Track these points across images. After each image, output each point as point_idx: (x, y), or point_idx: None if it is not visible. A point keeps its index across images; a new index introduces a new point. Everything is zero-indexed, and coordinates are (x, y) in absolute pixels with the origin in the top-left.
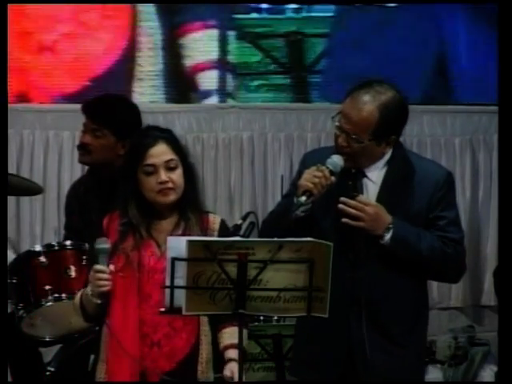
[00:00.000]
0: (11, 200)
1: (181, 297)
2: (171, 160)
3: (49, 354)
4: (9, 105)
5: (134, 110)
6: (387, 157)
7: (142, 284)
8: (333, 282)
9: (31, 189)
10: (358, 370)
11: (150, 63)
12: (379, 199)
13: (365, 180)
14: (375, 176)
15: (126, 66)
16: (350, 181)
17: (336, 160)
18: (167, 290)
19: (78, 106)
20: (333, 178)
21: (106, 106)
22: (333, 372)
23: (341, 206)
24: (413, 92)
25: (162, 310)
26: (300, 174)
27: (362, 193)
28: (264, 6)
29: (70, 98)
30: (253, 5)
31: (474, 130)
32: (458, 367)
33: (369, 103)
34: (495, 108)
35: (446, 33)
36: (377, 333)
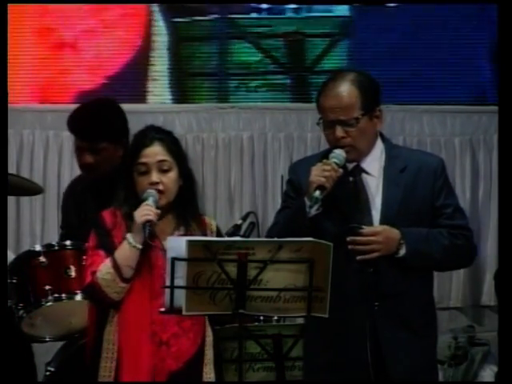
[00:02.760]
0: (11, 200)
1: (181, 297)
2: (164, 161)
3: (49, 354)
4: (9, 105)
5: (118, 110)
6: (380, 147)
7: (153, 282)
8: (353, 278)
9: (31, 189)
10: (386, 365)
11: (160, 63)
12: (385, 193)
13: (364, 175)
14: (373, 169)
15: (140, 65)
16: (350, 177)
17: (339, 152)
18: (167, 290)
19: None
20: (340, 170)
21: (94, 119)
22: (359, 372)
23: (350, 246)
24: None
25: (162, 310)
26: (291, 183)
27: (363, 188)
28: (264, 5)
29: (87, 96)
30: (253, 5)
31: (473, 130)
32: (458, 367)
33: (343, 84)
34: (495, 108)
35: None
36: (399, 326)
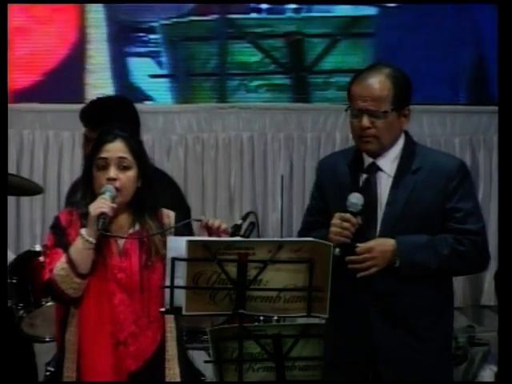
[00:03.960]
0: (11, 200)
1: (181, 297)
2: (124, 158)
3: (49, 354)
4: (9, 105)
5: (130, 106)
6: (400, 146)
7: (108, 282)
8: (353, 277)
9: (31, 189)
10: (378, 364)
11: (98, 55)
12: (392, 192)
13: (379, 173)
14: (389, 168)
15: (77, 58)
16: (364, 174)
17: (355, 201)
18: (167, 290)
19: (79, 106)
20: (359, 220)
21: (105, 111)
22: (357, 370)
23: (350, 266)
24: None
25: (162, 310)
26: (315, 183)
27: (374, 187)
28: (264, 6)
29: (22, 94)
30: (253, 5)
31: (474, 130)
32: (458, 367)
33: (378, 76)
34: (495, 108)
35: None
36: (397, 327)
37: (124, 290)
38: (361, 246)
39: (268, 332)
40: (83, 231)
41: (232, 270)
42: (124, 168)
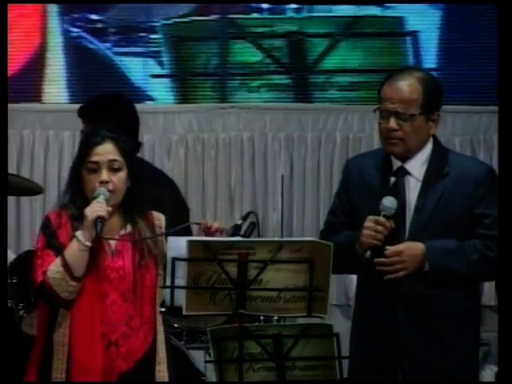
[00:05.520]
0: (11, 200)
1: (181, 297)
2: (115, 161)
3: None
4: (9, 105)
5: (129, 106)
6: (428, 151)
7: (100, 283)
8: (381, 280)
9: (31, 189)
10: (404, 367)
11: (56, 64)
12: (421, 196)
13: (407, 177)
14: (417, 172)
15: (36, 66)
16: (392, 177)
17: (389, 204)
18: (167, 290)
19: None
20: (392, 223)
21: (103, 108)
22: (382, 373)
23: (378, 267)
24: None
25: (163, 310)
26: (343, 183)
27: (403, 190)
28: (265, 5)
29: None
30: (253, 5)
31: (474, 130)
32: None
33: (409, 79)
34: (495, 108)
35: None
36: (424, 331)
37: (117, 291)
38: (390, 249)
39: (268, 332)
40: (79, 234)
41: (232, 269)
42: (115, 170)
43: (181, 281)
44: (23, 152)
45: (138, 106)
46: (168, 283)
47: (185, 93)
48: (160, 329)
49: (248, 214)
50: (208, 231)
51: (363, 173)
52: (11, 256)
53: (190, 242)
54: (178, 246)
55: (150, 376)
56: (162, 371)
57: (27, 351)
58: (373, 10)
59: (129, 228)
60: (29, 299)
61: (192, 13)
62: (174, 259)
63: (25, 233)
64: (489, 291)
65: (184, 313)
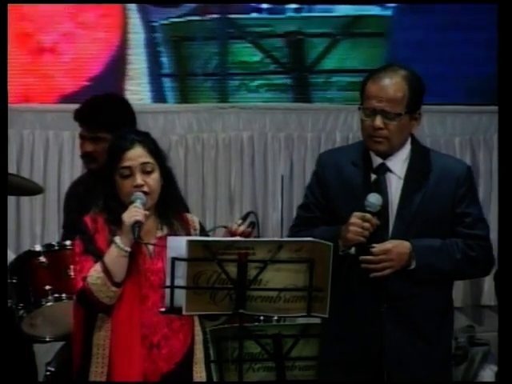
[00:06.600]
0: (11, 200)
1: (181, 297)
2: (147, 163)
3: (49, 354)
4: (9, 105)
5: (124, 105)
6: (408, 148)
7: (141, 286)
8: (363, 279)
9: (31, 189)
10: (386, 365)
11: (137, 61)
12: (404, 195)
13: (388, 174)
14: (398, 169)
15: (118, 64)
16: (373, 174)
17: (375, 201)
18: (167, 290)
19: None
20: (377, 220)
21: (98, 109)
22: (363, 371)
23: (364, 265)
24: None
25: (162, 309)
26: (317, 175)
27: (385, 188)
28: (264, 5)
29: (69, 99)
30: (253, 4)
31: (474, 130)
32: (458, 367)
33: (394, 77)
34: (495, 108)
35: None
36: (408, 329)
37: (157, 293)
38: (377, 247)
39: (268, 332)
40: (117, 240)
41: (232, 269)
42: (148, 172)
43: (181, 281)
44: (23, 152)
45: (138, 106)
46: (168, 283)
47: (185, 93)
48: (197, 329)
49: (248, 213)
50: (234, 235)
51: (340, 168)
52: (11, 256)
53: (190, 242)
54: (177, 245)
55: (189, 376)
56: (198, 371)
57: (27, 351)
58: (373, 10)
59: (165, 230)
60: (29, 299)
61: (192, 13)
62: (174, 259)
63: (25, 233)
64: (489, 291)
65: (184, 313)
